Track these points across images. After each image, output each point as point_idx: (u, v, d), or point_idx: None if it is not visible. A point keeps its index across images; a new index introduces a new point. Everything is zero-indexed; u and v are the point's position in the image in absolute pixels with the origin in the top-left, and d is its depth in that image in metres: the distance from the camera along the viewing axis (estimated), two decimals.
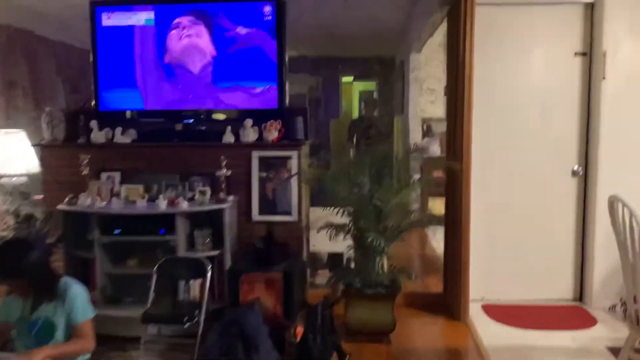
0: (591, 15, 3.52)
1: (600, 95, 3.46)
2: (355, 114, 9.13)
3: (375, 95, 9.17)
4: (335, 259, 4.04)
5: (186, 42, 3.59)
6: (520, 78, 3.62)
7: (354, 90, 9.29)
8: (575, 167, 3.62)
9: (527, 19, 3.57)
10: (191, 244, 3.32)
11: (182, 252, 3.25)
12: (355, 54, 8.45)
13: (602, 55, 3.42)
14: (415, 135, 6.66)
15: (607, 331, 3.22)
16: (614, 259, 3.47)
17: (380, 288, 3.14)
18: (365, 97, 8.70)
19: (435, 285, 3.95)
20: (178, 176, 3.49)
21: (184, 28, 3.57)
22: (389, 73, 8.36)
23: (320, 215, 3.64)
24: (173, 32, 3.58)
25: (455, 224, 3.50)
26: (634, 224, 2.23)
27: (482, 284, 3.67)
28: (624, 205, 2.27)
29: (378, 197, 3.14)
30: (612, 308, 3.44)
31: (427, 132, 6.64)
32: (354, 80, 9.29)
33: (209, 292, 3.07)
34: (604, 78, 3.43)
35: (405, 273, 3.23)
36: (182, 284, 3.15)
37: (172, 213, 3.22)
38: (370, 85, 9.35)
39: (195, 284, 3.13)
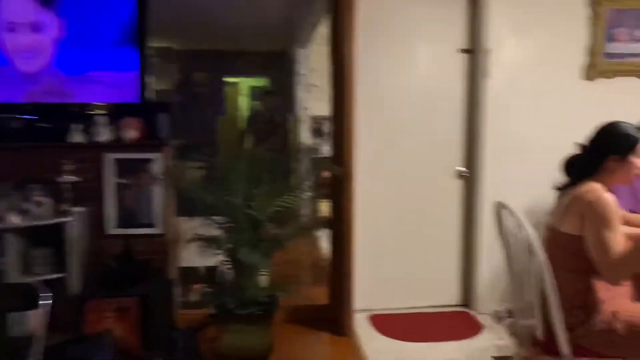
0: (475, 11, 3.40)
1: (484, 94, 3.35)
2: (247, 112, 8.69)
3: (269, 91, 8.78)
4: (212, 273, 3.62)
5: (25, 41, 3.00)
6: (405, 75, 3.43)
7: (243, 87, 8.84)
8: (460, 169, 3.50)
9: (411, 12, 3.38)
10: (27, 267, 2.76)
11: (14, 276, 2.68)
12: (245, 48, 8.00)
13: (486, 53, 3.32)
14: (307, 135, 6.40)
15: (492, 339, 3.11)
16: (498, 262, 3.40)
17: (256, 307, 2.78)
18: (259, 93, 8.29)
19: (324, 296, 3.67)
20: (10, 184, 2.89)
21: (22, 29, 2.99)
22: (280, 69, 8.02)
23: (193, 226, 3.21)
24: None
25: (340, 230, 3.24)
26: (521, 233, 2.05)
27: (369, 293, 3.45)
28: (511, 212, 2.09)
29: (254, 205, 2.78)
30: (500, 320, 3.34)
31: (317, 131, 6.40)
32: (244, 75, 8.84)
33: (49, 325, 2.53)
34: (487, 76, 3.32)
35: (284, 289, 2.90)
36: (13, 316, 2.59)
37: (0, 229, 2.65)
38: (262, 82, 8.95)
39: (31, 316, 2.57)
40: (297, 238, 3.22)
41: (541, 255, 1.97)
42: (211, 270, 3.52)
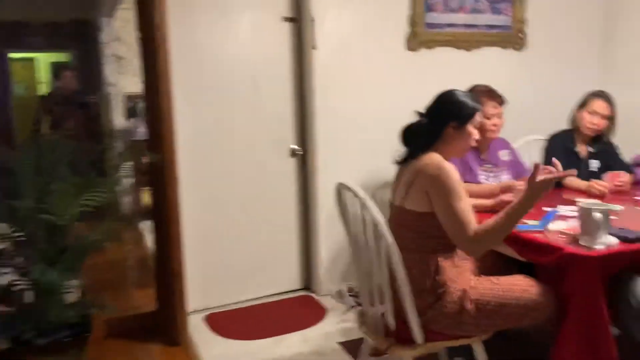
0: None
1: (312, 66, 3.15)
2: (45, 90, 7.51)
3: (71, 66, 7.67)
4: (9, 294, 2.92)
5: None
6: (227, 45, 3.08)
7: (40, 63, 7.63)
8: (294, 146, 3.28)
9: None
10: None
11: None
12: (40, 18, 6.82)
13: (311, 22, 3.10)
14: (119, 115, 5.69)
15: (337, 322, 2.98)
16: (337, 241, 3.30)
17: (64, 332, 2.27)
18: (58, 69, 7.18)
19: (152, 300, 3.21)
20: None
21: None
22: (84, 41, 7.03)
23: None
24: None
25: (164, 224, 2.82)
26: (366, 216, 1.87)
27: (203, 290, 3.11)
28: (355, 193, 1.89)
29: (49, 208, 2.23)
30: (343, 299, 3.23)
31: (131, 111, 5.73)
32: (42, 50, 7.62)
33: None
34: (315, 47, 3.12)
35: (98, 304, 2.41)
36: None
37: None
38: (62, 56, 7.82)
39: None
40: (113, 239, 2.74)
41: (389, 238, 1.82)
42: (7, 290, 2.84)
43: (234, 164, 3.15)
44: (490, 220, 1.78)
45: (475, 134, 1.99)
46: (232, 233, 3.20)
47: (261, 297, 3.30)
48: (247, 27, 3.11)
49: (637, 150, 3.14)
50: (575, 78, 3.70)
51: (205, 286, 3.12)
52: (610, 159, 2.92)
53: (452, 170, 1.82)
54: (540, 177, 1.74)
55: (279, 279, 3.38)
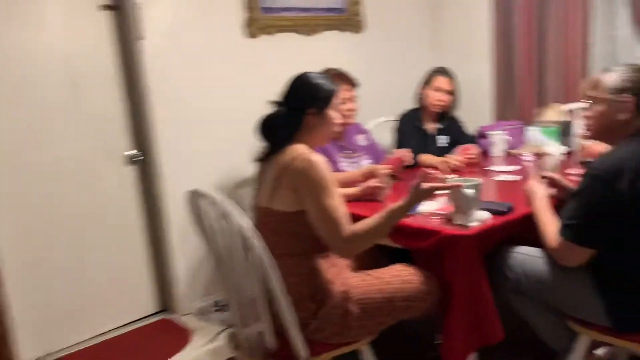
0: None
1: (140, 60, 2.75)
2: None
3: None
4: None
5: None
6: (35, 40, 2.54)
7: None
8: (130, 152, 2.86)
9: None
10: None
11: None
12: None
13: (135, 9, 2.70)
14: None
15: (204, 344, 2.65)
16: (194, 252, 2.97)
17: None
18: None
19: None
20: None
21: None
22: None
23: None
24: None
25: None
26: (229, 225, 1.60)
27: (38, 335, 2.60)
28: (214, 201, 1.61)
29: None
30: (206, 315, 2.92)
31: None
32: None
33: None
34: (142, 38, 2.73)
35: None
36: None
37: None
38: None
39: None
40: None
41: (259, 247, 1.58)
42: None
43: (56, 180, 2.64)
44: (367, 221, 1.64)
45: (338, 118, 1.83)
46: (65, 262, 2.69)
47: (112, 329, 2.85)
48: (56, 17, 2.60)
49: (474, 123, 3.28)
50: (411, 57, 3.78)
51: (39, 329, 2.60)
52: (457, 133, 3.00)
53: (321, 163, 1.63)
54: (426, 185, 1.65)
55: (130, 305, 2.95)
